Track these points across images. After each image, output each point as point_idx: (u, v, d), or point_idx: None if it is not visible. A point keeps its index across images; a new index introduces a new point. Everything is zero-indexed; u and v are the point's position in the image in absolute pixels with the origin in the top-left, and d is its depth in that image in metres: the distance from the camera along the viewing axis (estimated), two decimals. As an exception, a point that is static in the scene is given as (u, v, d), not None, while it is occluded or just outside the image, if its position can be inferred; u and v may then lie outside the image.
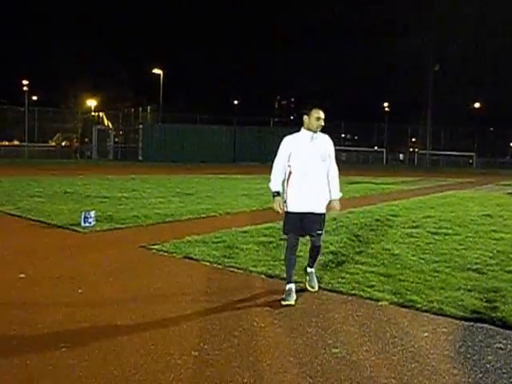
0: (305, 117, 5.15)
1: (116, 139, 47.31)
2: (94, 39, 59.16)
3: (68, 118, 49.51)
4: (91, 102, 53.91)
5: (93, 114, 51.50)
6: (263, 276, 5.90)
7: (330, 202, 5.25)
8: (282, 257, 6.64)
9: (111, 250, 7.21)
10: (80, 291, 5.19)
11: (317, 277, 5.58)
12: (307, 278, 5.47)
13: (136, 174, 22.87)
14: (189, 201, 12.92)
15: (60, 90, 54.30)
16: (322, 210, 5.19)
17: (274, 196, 5.24)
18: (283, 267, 6.11)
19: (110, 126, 48.46)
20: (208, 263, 6.42)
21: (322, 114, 5.13)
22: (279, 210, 5.21)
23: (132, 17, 70.77)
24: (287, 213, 5.20)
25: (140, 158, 41.08)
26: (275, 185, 5.26)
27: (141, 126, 43.10)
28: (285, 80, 77.43)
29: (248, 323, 4.39)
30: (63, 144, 47.11)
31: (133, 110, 47.00)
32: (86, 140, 46.45)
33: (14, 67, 54.55)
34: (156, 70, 48.28)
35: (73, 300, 4.94)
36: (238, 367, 3.54)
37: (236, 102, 75.13)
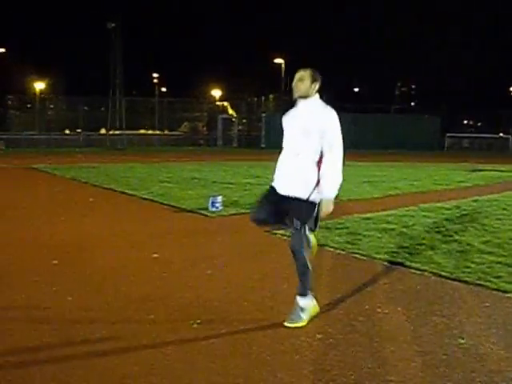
0: None
1: (239, 127, 48.37)
2: (218, 33, 60.85)
3: (194, 107, 51.28)
4: (216, 92, 55.46)
5: (217, 103, 52.97)
6: (386, 263, 5.87)
7: (322, 200, 4.11)
8: (406, 244, 6.61)
9: (238, 234, 7.47)
10: (209, 272, 5.47)
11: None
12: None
13: (258, 161, 23.29)
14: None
15: (187, 81, 56.41)
16: (302, 195, 4.07)
17: None
18: (406, 254, 6.09)
19: (234, 114, 49.60)
20: (331, 249, 6.49)
21: (297, 75, 4.13)
22: None
23: (255, 7, 71.81)
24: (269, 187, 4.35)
25: (262, 145, 41.66)
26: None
27: (263, 115, 43.72)
28: (405, 67, 74.95)
29: (371, 309, 4.42)
30: (191, 132, 48.88)
31: (256, 99, 47.74)
32: (205, 128, 47.90)
33: (146, 61, 57.46)
34: (277, 60, 48.74)
35: (202, 280, 5.21)
36: (361, 352, 3.58)
37: (356, 90, 73.99)
